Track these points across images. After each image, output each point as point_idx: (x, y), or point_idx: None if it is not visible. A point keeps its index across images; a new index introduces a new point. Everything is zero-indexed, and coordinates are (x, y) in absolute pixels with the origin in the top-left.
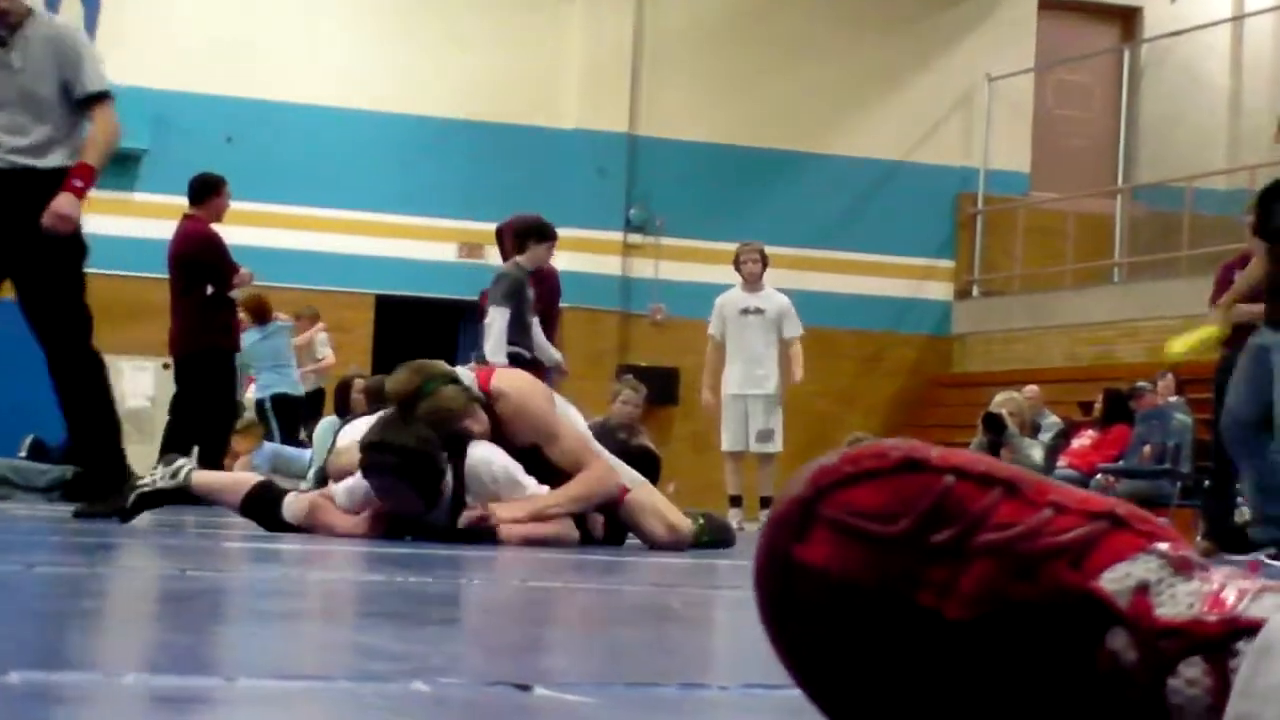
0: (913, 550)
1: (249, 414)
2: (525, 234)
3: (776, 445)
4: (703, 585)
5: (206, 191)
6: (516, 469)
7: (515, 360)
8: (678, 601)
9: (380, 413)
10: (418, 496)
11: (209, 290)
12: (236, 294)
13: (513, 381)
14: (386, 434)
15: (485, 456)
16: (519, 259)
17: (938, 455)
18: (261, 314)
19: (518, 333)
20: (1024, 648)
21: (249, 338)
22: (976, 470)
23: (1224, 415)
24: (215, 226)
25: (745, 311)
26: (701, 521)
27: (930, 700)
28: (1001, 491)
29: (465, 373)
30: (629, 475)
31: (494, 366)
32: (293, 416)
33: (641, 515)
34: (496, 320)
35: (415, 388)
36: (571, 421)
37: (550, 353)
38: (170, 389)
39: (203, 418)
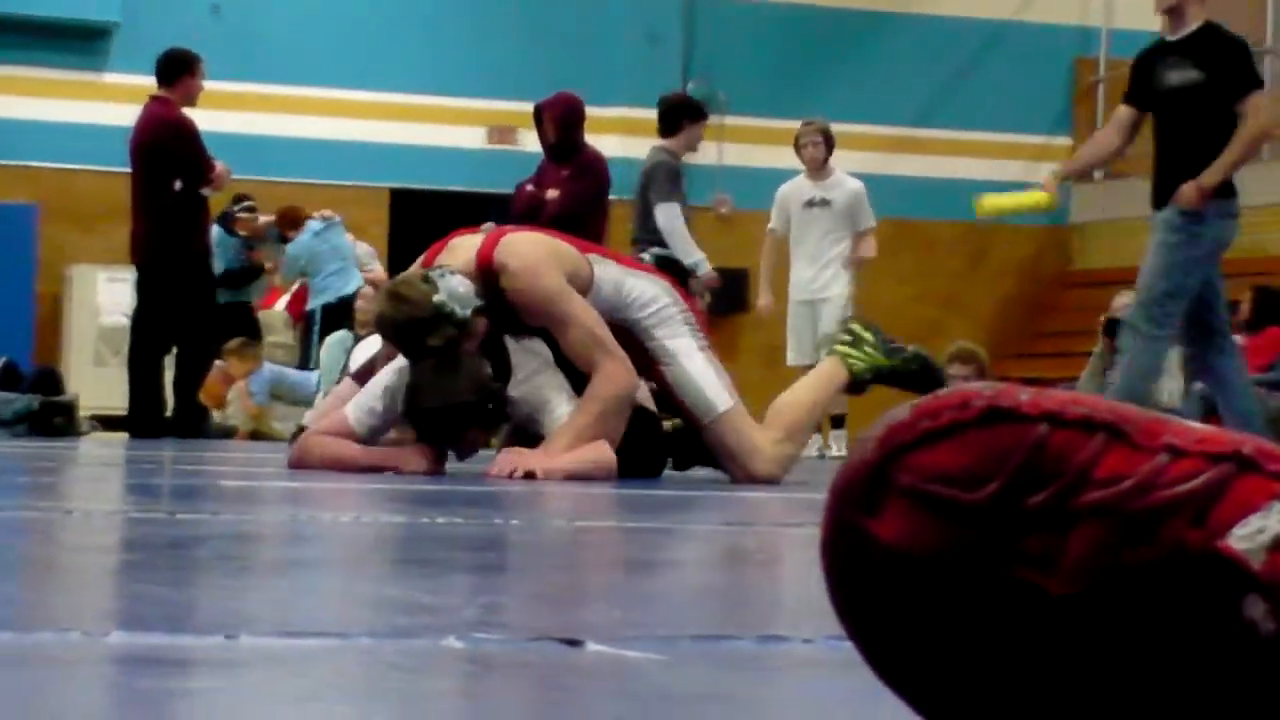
0: (1005, 518)
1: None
2: (678, 113)
3: None
4: (780, 522)
5: (177, 69)
6: (549, 385)
7: (664, 263)
8: (752, 541)
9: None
10: (486, 432)
11: (177, 186)
12: (209, 190)
13: (520, 252)
14: (435, 395)
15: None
16: (668, 143)
17: (1028, 399)
18: (296, 222)
19: (651, 230)
20: (1142, 621)
21: (303, 242)
22: (1074, 414)
23: None
24: (188, 111)
25: (810, 204)
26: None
27: (1030, 685)
28: (1105, 437)
29: (466, 244)
30: (717, 392)
31: (503, 230)
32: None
33: (722, 442)
34: (675, 218)
35: (418, 333)
36: (587, 306)
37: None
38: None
39: (174, 333)
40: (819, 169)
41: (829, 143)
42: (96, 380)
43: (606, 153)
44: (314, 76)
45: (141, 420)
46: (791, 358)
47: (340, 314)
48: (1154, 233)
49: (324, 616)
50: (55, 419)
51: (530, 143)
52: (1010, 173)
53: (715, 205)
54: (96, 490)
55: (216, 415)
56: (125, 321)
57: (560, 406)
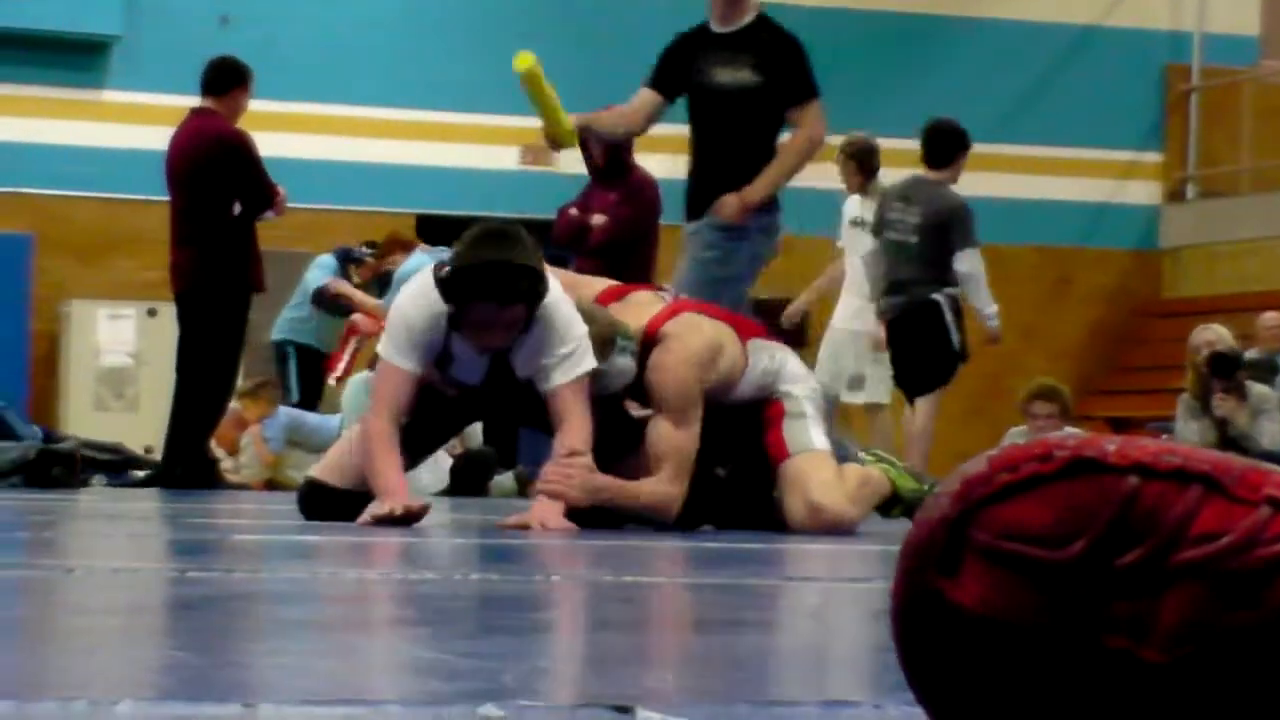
0: (1094, 579)
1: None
2: (953, 142)
3: (871, 395)
4: (842, 577)
5: (230, 80)
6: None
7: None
8: (814, 598)
9: None
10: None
11: (236, 209)
12: (269, 216)
13: (684, 339)
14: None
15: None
16: (943, 176)
17: (1116, 449)
18: (407, 247)
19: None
20: (1244, 691)
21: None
22: (1167, 465)
23: None
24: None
25: (855, 223)
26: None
27: None
28: (1202, 490)
29: (643, 308)
30: (820, 436)
31: (682, 306)
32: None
33: (788, 488)
34: (979, 264)
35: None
36: (696, 428)
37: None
38: (160, 340)
39: (206, 374)
40: (860, 189)
41: (859, 161)
42: (98, 426)
43: (654, 174)
44: (332, 93)
45: (176, 472)
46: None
47: None
48: (687, 247)
49: (350, 682)
50: (53, 469)
51: (567, 163)
52: (1097, 192)
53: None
54: (100, 546)
55: (228, 463)
56: (128, 362)
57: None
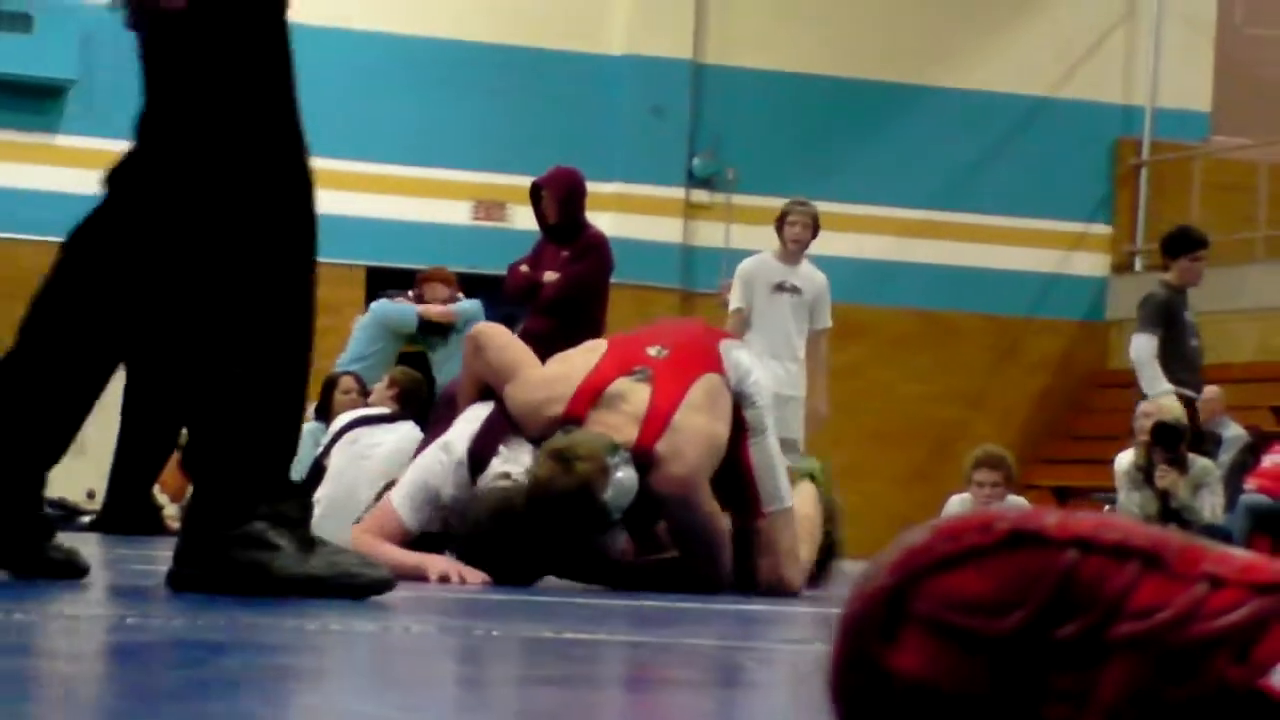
0: (1033, 651)
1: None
2: (1174, 244)
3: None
4: (779, 639)
5: None
6: None
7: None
8: (749, 659)
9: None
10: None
11: None
12: None
13: (685, 456)
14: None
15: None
16: (1166, 275)
17: (1056, 523)
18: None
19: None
20: None
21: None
22: (1107, 539)
23: None
24: None
25: (780, 288)
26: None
27: None
28: (1140, 565)
29: (628, 404)
30: (787, 485)
31: (671, 404)
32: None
33: (773, 537)
34: (1143, 350)
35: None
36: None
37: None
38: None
39: (155, 426)
40: (799, 252)
41: (815, 228)
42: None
43: (605, 231)
44: None
45: (122, 516)
46: None
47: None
48: None
49: None
50: None
51: (520, 219)
52: (1045, 262)
53: (721, 291)
54: (39, 590)
55: (171, 509)
56: None
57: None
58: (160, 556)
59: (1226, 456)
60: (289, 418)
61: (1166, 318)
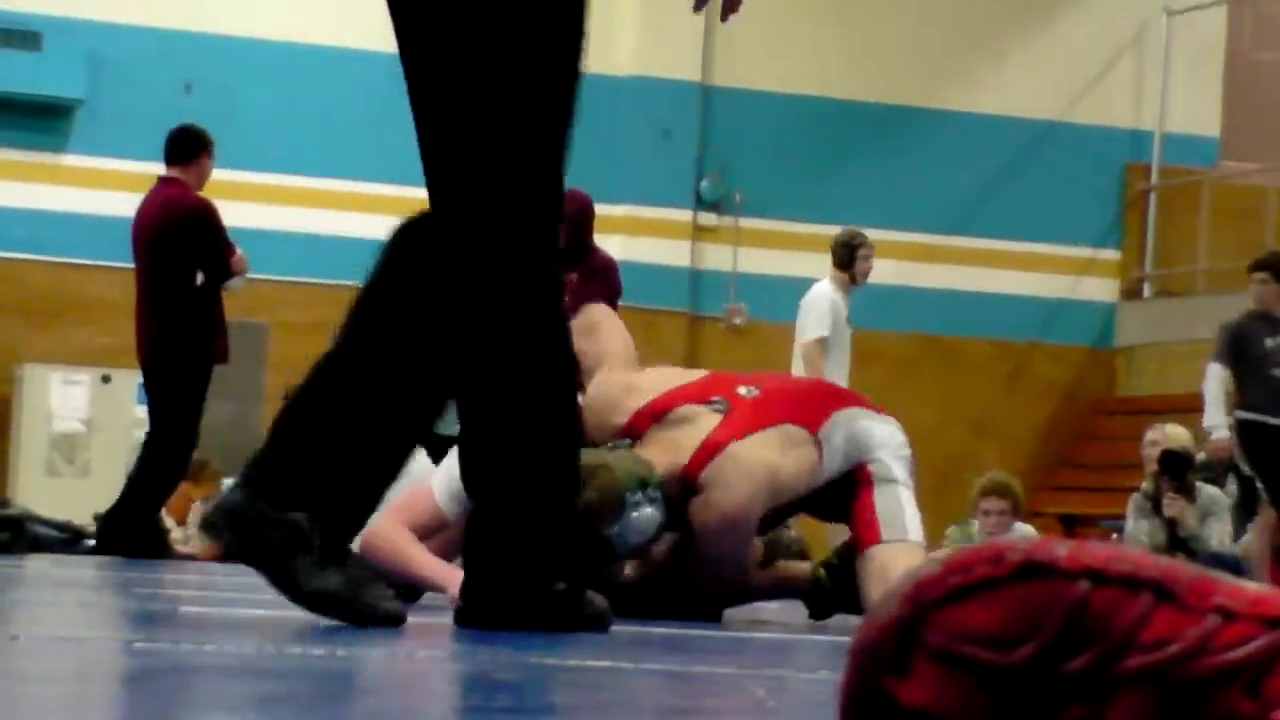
0: (1042, 683)
1: None
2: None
3: None
4: (798, 667)
5: (193, 148)
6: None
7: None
8: (763, 690)
9: None
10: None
11: (199, 279)
12: (234, 284)
13: (733, 487)
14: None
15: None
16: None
17: (1067, 554)
18: None
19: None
20: None
21: None
22: (1118, 571)
23: None
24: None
25: (849, 320)
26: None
27: None
28: (1152, 597)
29: (691, 428)
30: (916, 525)
31: (732, 432)
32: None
33: (872, 575)
34: (1210, 380)
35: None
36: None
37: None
38: (112, 406)
39: (165, 444)
40: (862, 285)
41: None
42: (48, 492)
43: (613, 255)
44: (294, 164)
45: (122, 535)
46: None
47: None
48: None
49: None
50: (1, 535)
51: None
52: (1053, 288)
53: (728, 315)
54: (46, 614)
55: (178, 532)
56: (80, 428)
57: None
58: (166, 580)
59: (1234, 487)
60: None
61: (1235, 346)
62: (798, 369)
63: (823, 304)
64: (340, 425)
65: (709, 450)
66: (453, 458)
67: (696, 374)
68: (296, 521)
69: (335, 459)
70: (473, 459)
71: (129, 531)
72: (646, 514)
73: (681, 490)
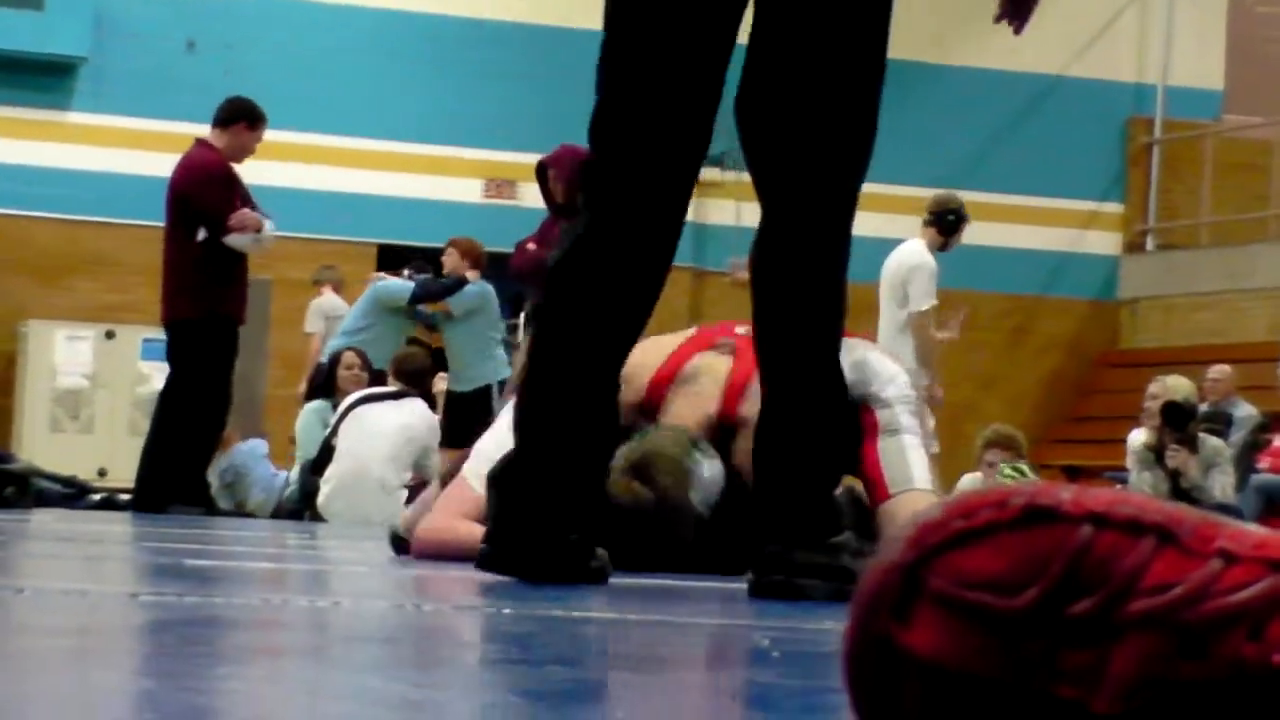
0: (1045, 628)
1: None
2: None
3: None
4: (802, 620)
5: (231, 116)
6: None
7: None
8: (767, 640)
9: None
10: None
11: (201, 235)
12: (238, 242)
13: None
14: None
15: None
16: None
17: (1070, 498)
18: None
19: None
20: None
21: (474, 295)
22: (1121, 515)
23: None
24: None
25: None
26: None
27: None
28: (1155, 541)
29: (710, 377)
30: (922, 471)
31: (746, 354)
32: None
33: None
34: None
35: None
36: None
37: None
38: (116, 362)
39: (192, 407)
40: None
41: None
42: (52, 447)
43: None
44: (297, 121)
45: (152, 494)
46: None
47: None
48: None
49: (293, 711)
50: (6, 489)
51: (531, 197)
52: (1057, 241)
53: (731, 270)
54: (51, 567)
55: None
56: (84, 384)
57: None
58: (173, 534)
59: (1238, 436)
60: None
61: None
62: (886, 335)
63: (927, 271)
64: None
65: (736, 389)
66: (486, 441)
67: (685, 333)
68: None
69: None
70: (536, 398)
71: (174, 489)
72: (713, 467)
73: (721, 434)
